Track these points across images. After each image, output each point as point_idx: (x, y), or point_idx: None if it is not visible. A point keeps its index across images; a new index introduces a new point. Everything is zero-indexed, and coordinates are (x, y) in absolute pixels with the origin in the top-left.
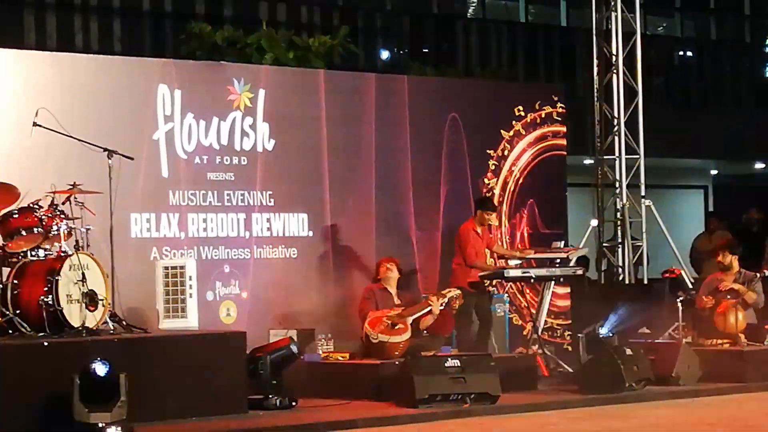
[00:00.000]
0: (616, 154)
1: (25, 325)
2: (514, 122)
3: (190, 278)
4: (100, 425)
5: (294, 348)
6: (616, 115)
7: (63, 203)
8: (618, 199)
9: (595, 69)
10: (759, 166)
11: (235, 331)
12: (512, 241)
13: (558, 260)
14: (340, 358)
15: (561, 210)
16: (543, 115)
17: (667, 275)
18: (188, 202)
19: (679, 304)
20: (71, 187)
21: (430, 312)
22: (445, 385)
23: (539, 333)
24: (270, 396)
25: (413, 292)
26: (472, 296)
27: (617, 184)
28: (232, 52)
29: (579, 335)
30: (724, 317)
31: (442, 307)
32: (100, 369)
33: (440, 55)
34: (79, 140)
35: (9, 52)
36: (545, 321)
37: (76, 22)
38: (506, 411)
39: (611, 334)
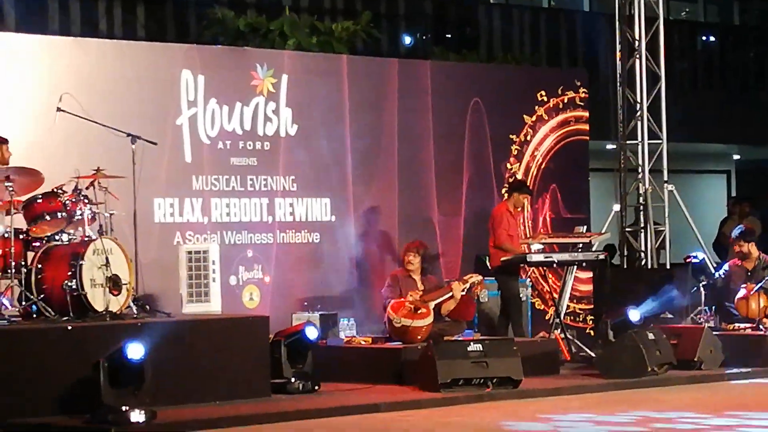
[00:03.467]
0: (639, 139)
1: (49, 309)
2: (536, 107)
3: (213, 263)
4: (124, 409)
5: (309, 332)
6: (638, 100)
7: (87, 188)
8: (640, 184)
9: (618, 54)
10: None
11: (257, 316)
12: (534, 225)
13: (580, 245)
14: (363, 343)
15: (583, 195)
16: (566, 100)
17: (689, 260)
18: (211, 187)
19: (702, 289)
20: (95, 172)
21: (451, 297)
22: (467, 370)
23: (561, 317)
24: (293, 380)
25: (437, 276)
26: (511, 279)
27: (640, 169)
28: (255, 38)
29: (608, 321)
30: (746, 302)
31: (464, 293)
32: (135, 352)
33: (463, 40)
34: (103, 125)
35: (33, 38)
36: (567, 305)
37: (100, 8)
38: (528, 395)
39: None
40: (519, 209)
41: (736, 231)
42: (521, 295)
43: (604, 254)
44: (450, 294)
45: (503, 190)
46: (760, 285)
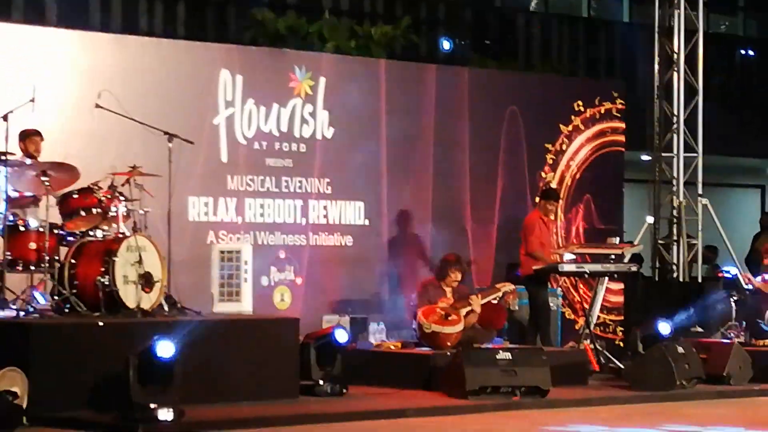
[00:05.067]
0: (675, 151)
1: (81, 304)
2: (573, 117)
3: (246, 263)
4: (152, 406)
5: (339, 335)
6: (675, 113)
7: (122, 185)
8: (674, 197)
9: (656, 66)
10: None
11: (287, 317)
12: (567, 235)
13: (613, 256)
14: (392, 347)
15: (617, 206)
16: (602, 111)
17: (721, 274)
18: (246, 187)
19: (733, 304)
20: (131, 169)
21: (472, 311)
22: (495, 378)
23: (591, 328)
24: (321, 383)
25: (468, 284)
26: (541, 288)
27: (674, 182)
28: (294, 40)
29: (638, 333)
30: None
31: (495, 301)
32: (165, 350)
33: (501, 48)
34: (140, 123)
35: (73, 34)
36: (598, 316)
37: (141, 5)
38: (556, 405)
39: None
40: (551, 217)
41: None
42: (551, 305)
43: (637, 266)
44: (470, 308)
45: (536, 199)
46: None
